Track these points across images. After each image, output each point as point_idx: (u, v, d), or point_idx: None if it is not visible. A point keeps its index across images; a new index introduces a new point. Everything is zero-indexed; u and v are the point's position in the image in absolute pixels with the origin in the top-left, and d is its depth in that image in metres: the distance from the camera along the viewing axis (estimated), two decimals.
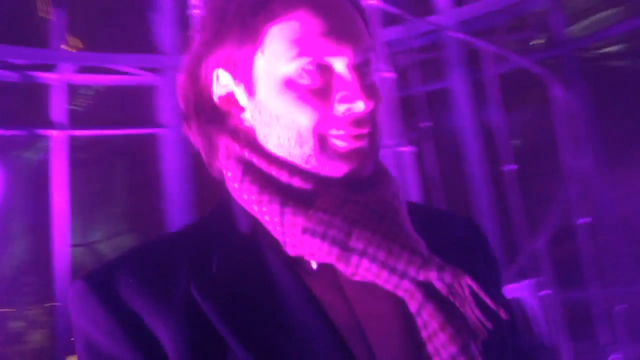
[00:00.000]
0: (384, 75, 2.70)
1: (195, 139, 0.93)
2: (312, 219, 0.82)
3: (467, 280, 0.81)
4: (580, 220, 3.83)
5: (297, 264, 0.85)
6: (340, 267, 0.82)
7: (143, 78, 4.82)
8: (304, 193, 0.85)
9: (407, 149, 2.72)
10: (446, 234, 0.93)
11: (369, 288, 0.83)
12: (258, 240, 0.86)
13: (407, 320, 0.83)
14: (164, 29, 4.94)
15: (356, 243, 0.81)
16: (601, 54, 5.43)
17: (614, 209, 4.67)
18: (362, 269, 0.81)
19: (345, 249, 0.81)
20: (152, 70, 4.93)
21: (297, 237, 0.82)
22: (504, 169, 4.12)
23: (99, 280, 0.83)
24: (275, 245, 0.85)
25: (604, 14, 5.25)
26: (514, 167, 4.06)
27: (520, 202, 4.07)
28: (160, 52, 4.85)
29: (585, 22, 5.31)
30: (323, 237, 0.81)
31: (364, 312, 0.84)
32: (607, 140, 4.78)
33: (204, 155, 0.94)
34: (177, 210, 4.75)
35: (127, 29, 5.29)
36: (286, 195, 0.84)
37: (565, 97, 4.03)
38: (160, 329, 0.79)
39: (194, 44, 0.91)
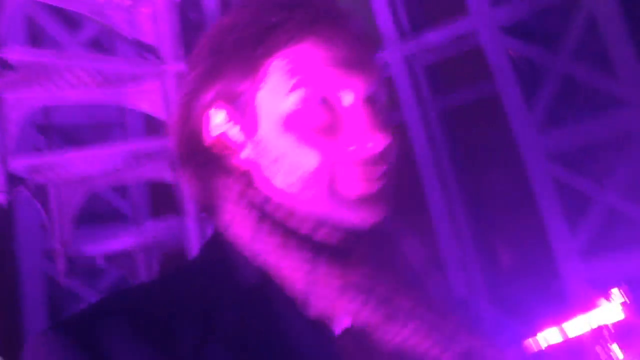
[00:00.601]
0: None
1: (190, 182, 0.86)
2: (355, 274, 0.75)
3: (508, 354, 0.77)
4: None
5: (319, 325, 0.76)
6: (381, 330, 0.75)
7: None
8: (332, 245, 0.77)
9: None
10: None
11: (399, 355, 0.76)
12: (268, 295, 0.77)
13: None
14: None
15: (404, 304, 0.75)
16: None
17: None
18: (405, 334, 0.74)
19: (392, 310, 0.74)
20: None
21: (331, 294, 0.74)
22: None
23: (82, 329, 0.69)
24: (292, 303, 0.76)
25: None
26: None
27: None
28: None
29: None
30: (369, 295, 0.74)
31: None
32: None
33: (199, 200, 0.86)
34: None
35: None
36: (315, 247, 0.76)
37: None
38: None
39: (187, 80, 0.84)
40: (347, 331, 0.77)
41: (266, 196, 0.81)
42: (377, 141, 0.77)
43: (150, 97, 2.66)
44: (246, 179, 0.83)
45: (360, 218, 0.78)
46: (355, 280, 0.75)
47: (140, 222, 3.79)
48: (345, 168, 0.78)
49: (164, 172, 2.68)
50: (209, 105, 0.83)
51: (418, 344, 0.75)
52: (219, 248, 0.83)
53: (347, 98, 0.79)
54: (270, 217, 0.79)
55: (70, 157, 2.63)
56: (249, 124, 0.81)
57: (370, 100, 0.80)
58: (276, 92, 0.78)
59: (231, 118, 0.82)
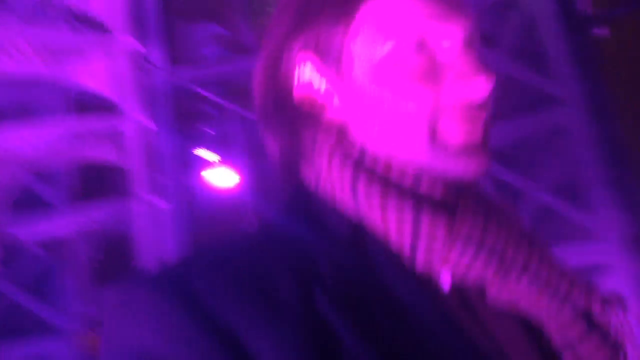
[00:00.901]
0: (145, 124, 2.39)
1: (276, 137, 0.82)
2: (463, 226, 0.71)
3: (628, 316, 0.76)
4: None
5: (425, 280, 0.72)
6: (493, 285, 0.71)
7: None
8: (436, 197, 0.73)
9: (166, 205, 2.43)
10: None
11: (511, 312, 0.73)
12: (367, 248, 0.73)
13: (546, 352, 0.74)
14: None
15: (517, 258, 0.71)
16: None
17: None
18: (519, 290, 0.71)
19: (505, 263, 0.71)
20: None
21: (439, 248, 0.71)
22: None
23: (181, 282, 0.65)
24: (395, 257, 0.72)
25: None
26: None
27: None
28: None
29: None
30: (479, 247, 0.70)
31: (503, 339, 0.72)
32: None
33: (285, 156, 0.82)
34: None
35: None
36: (419, 199, 0.72)
37: None
38: (266, 345, 0.62)
39: (272, 30, 0.81)
40: (455, 286, 0.73)
41: (362, 148, 0.77)
42: (480, 85, 0.73)
43: (98, 73, 2.47)
44: (339, 131, 0.78)
45: (463, 168, 0.74)
46: (464, 232, 0.71)
47: (72, 207, 3.56)
48: (446, 115, 0.73)
49: (108, 153, 2.50)
50: (297, 58, 0.79)
51: (532, 300, 0.72)
52: (307, 203, 0.78)
53: (445, 42, 0.75)
54: (369, 169, 0.75)
55: (5, 135, 2.39)
56: (342, 75, 0.77)
57: (469, 44, 0.76)
58: (370, 39, 0.75)
59: (322, 69, 0.78)
